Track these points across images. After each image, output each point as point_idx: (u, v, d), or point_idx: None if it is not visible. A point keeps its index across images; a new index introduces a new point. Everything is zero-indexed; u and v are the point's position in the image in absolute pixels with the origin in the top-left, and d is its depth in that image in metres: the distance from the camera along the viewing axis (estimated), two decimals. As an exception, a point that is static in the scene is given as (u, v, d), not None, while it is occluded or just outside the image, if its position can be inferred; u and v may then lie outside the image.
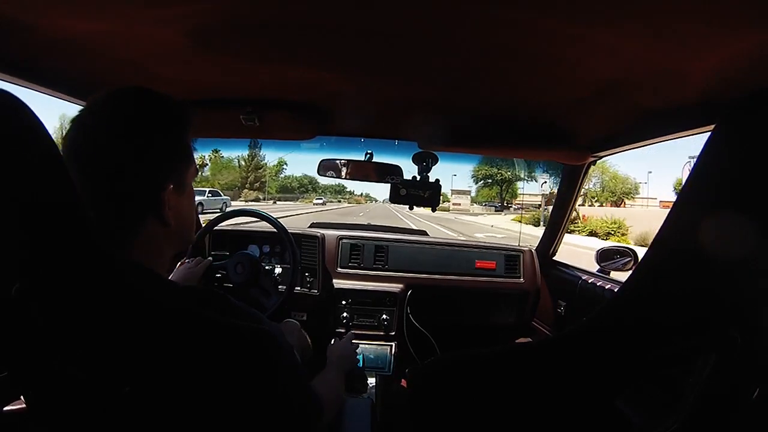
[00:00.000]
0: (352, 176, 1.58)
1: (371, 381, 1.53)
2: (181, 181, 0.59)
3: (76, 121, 0.54)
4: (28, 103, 0.42)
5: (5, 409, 0.90)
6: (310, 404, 0.63)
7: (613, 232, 19.00)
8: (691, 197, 0.73)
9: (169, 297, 0.51)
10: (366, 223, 2.66)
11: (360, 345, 1.80)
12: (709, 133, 0.70)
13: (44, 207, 0.42)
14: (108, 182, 0.52)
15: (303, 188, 65.84)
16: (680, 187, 0.75)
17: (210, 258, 1.48)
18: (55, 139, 0.43)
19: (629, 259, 1.64)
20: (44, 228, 0.42)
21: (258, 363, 0.52)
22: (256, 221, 1.72)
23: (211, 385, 0.49)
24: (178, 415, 0.48)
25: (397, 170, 1.46)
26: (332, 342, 1.28)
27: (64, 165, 0.44)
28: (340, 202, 72.74)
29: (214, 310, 0.52)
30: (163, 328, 0.48)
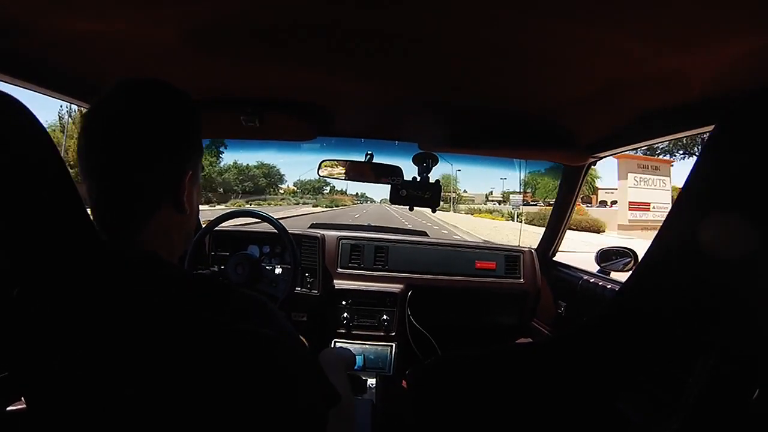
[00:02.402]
0: (352, 177, 1.58)
1: (372, 381, 1.53)
2: (196, 172, 0.61)
3: (98, 109, 0.55)
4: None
5: (6, 409, 0.90)
6: (329, 393, 0.63)
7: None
8: (691, 197, 0.73)
9: (171, 295, 0.51)
10: (366, 224, 2.66)
11: (361, 346, 1.81)
12: (709, 133, 0.70)
13: (45, 208, 0.42)
14: (135, 166, 0.53)
15: (252, 183, 43.39)
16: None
17: (211, 270, 1.48)
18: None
19: (629, 259, 1.64)
20: (44, 228, 0.42)
21: (263, 368, 0.51)
22: (257, 222, 1.72)
23: (215, 389, 0.48)
24: (181, 417, 0.48)
25: (397, 171, 1.46)
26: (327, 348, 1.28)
27: (65, 164, 0.44)
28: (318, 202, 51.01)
29: (222, 310, 0.52)
30: (164, 330, 0.47)
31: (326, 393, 0.64)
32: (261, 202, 39.14)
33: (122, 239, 0.54)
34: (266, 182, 47.73)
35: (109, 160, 0.53)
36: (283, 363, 0.54)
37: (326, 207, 46.47)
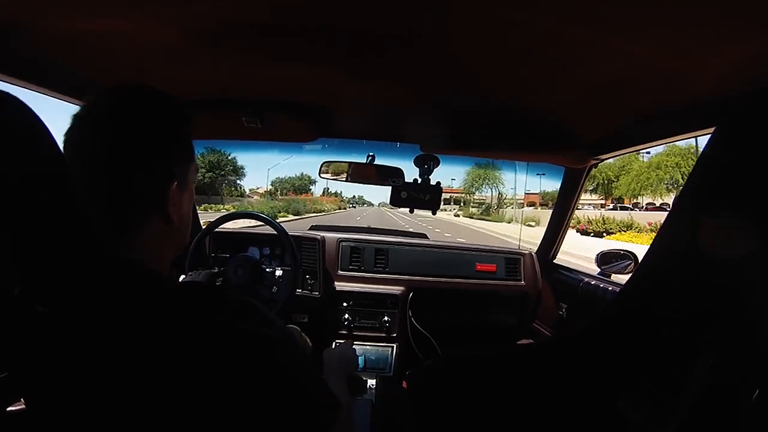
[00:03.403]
0: (353, 179, 1.58)
1: (372, 382, 1.53)
2: (184, 178, 0.59)
3: (78, 120, 0.54)
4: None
5: (6, 409, 0.90)
6: (329, 399, 0.61)
7: None
8: (691, 198, 0.73)
9: (170, 296, 0.51)
10: (366, 226, 2.66)
11: (361, 346, 1.81)
12: (709, 135, 0.71)
13: (45, 209, 0.43)
14: (115, 180, 0.52)
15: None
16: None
17: (211, 271, 1.49)
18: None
19: (629, 262, 1.64)
20: (45, 229, 0.42)
21: (262, 367, 0.51)
22: (257, 224, 1.73)
23: (216, 388, 0.48)
24: (181, 416, 0.47)
25: (398, 173, 1.46)
26: (332, 346, 1.28)
27: (66, 165, 0.44)
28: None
29: (221, 310, 0.52)
30: (164, 329, 0.47)
31: (326, 397, 0.62)
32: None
33: (114, 245, 0.53)
34: (212, 177, 34.75)
35: (90, 170, 0.52)
36: (284, 363, 0.54)
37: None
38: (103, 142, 0.52)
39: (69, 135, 0.53)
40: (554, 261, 1.97)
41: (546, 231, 1.99)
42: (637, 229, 20.72)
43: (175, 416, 0.47)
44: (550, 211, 1.97)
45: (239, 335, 0.50)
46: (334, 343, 1.82)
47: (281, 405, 0.52)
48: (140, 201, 0.54)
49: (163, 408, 0.47)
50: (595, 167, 1.61)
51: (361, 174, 1.56)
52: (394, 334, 1.85)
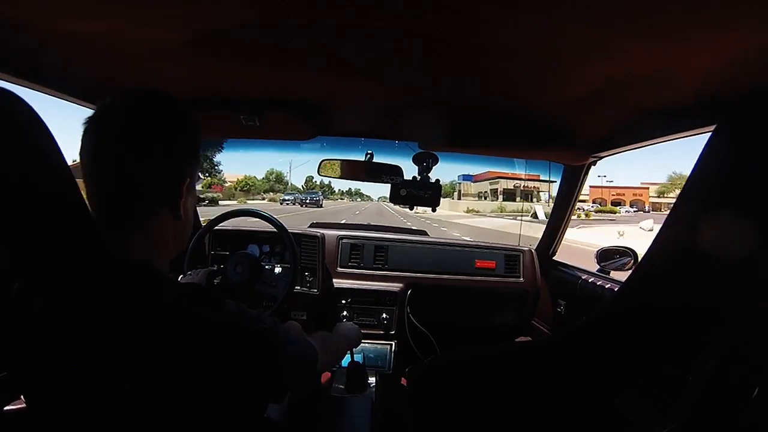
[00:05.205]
0: (351, 177, 1.58)
1: (371, 380, 1.53)
2: (193, 180, 0.63)
3: (95, 121, 0.56)
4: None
5: (5, 408, 0.90)
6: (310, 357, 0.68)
7: None
8: (692, 197, 0.73)
9: (170, 295, 0.52)
10: (366, 223, 2.66)
11: (360, 344, 1.81)
12: (710, 133, 0.70)
13: (45, 206, 0.42)
14: (135, 172, 0.55)
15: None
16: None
17: (209, 269, 1.49)
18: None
19: (629, 258, 1.64)
20: (45, 227, 0.42)
21: (259, 360, 0.54)
22: (256, 221, 1.72)
23: (211, 384, 0.50)
24: (179, 412, 0.48)
25: (397, 170, 1.46)
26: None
27: (66, 162, 0.45)
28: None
29: (212, 309, 0.53)
30: (163, 327, 0.48)
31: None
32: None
33: (118, 241, 0.55)
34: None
35: (109, 165, 0.54)
36: (281, 362, 0.59)
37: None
38: (121, 143, 0.55)
39: (86, 136, 0.55)
40: (554, 258, 1.97)
41: (546, 227, 1.99)
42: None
43: (173, 412, 0.48)
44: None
45: (241, 333, 0.53)
46: (344, 319, 1.85)
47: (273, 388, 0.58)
48: (153, 196, 0.58)
49: (161, 404, 0.48)
50: (594, 164, 1.60)
51: (359, 172, 1.56)
52: (393, 332, 1.85)
